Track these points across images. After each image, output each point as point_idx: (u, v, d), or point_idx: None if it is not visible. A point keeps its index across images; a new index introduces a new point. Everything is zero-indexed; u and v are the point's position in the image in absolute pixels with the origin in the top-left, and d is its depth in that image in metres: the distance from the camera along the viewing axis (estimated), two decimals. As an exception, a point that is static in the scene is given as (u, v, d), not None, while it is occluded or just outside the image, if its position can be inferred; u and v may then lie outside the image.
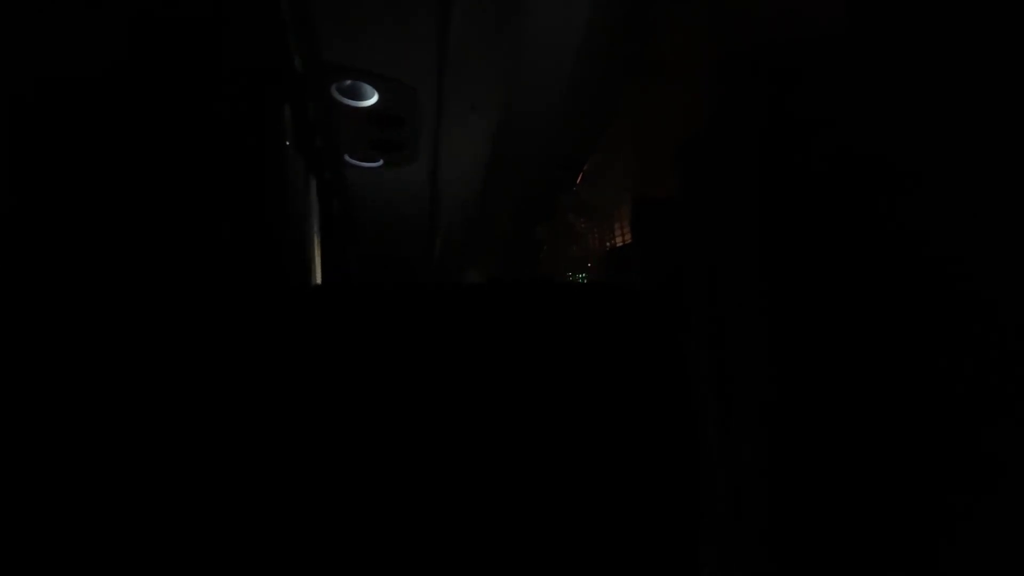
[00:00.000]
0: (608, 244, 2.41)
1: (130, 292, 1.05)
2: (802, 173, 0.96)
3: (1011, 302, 0.79)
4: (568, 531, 1.08)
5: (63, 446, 0.97)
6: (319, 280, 2.18)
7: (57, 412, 0.97)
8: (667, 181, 1.25)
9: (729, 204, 1.01)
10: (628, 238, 2.30)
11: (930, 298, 0.83)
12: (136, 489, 0.99)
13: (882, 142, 0.90)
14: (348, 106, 2.02)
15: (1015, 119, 0.81)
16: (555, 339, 1.16)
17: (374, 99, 1.99)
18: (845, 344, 0.86)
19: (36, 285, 1.00)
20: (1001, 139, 0.82)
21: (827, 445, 0.85)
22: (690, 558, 1.08)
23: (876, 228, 0.88)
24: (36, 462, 0.96)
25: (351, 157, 2.28)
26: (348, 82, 1.95)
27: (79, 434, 0.98)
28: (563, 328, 1.17)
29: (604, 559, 1.09)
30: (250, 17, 1.49)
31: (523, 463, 1.10)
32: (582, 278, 2.62)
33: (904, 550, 0.81)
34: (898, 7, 0.92)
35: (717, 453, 1.02)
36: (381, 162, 2.31)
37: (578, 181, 2.53)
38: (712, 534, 1.04)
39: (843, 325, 0.87)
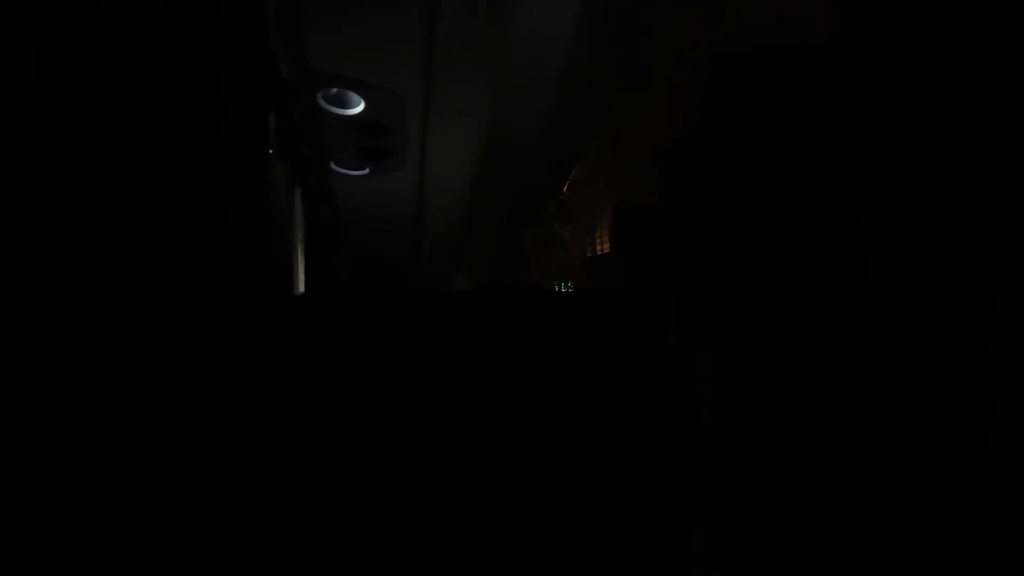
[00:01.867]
0: (592, 251, 2.41)
1: (104, 299, 1.04)
2: (785, 178, 0.96)
3: (997, 305, 0.79)
4: (561, 532, 1.08)
5: (50, 446, 0.97)
6: (302, 288, 2.17)
7: (44, 413, 0.96)
8: (651, 189, 1.26)
9: (710, 209, 1.01)
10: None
11: (911, 300, 0.83)
12: (115, 493, 0.99)
13: (869, 147, 0.90)
14: (334, 114, 2.01)
15: (1007, 121, 0.81)
16: (542, 345, 1.16)
17: (360, 107, 1.99)
18: (821, 347, 0.86)
19: (24, 288, 1.00)
20: (993, 141, 0.82)
21: (804, 446, 0.85)
22: (681, 557, 1.08)
23: (857, 234, 0.89)
24: (27, 461, 0.95)
25: (337, 165, 2.28)
26: (334, 90, 1.94)
27: (60, 436, 0.97)
28: (550, 334, 1.17)
29: (595, 559, 1.09)
30: (235, 24, 1.49)
31: (512, 467, 1.09)
32: (568, 285, 2.62)
33: (893, 545, 0.81)
34: (885, 12, 0.92)
35: (698, 451, 1.02)
36: (367, 170, 2.30)
37: (565, 188, 2.53)
38: (698, 531, 1.04)
39: (820, 329, 0.87)
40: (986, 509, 0.77)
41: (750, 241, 0.96)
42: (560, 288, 2.61)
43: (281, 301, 1.35)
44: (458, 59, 1.77)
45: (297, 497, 1.05)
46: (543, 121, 2.13)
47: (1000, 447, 0.76)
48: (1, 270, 0.99)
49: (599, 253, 2.31)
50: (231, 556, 1.01)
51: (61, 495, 0.96)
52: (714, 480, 1.03)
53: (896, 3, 0.92)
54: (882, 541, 0.82)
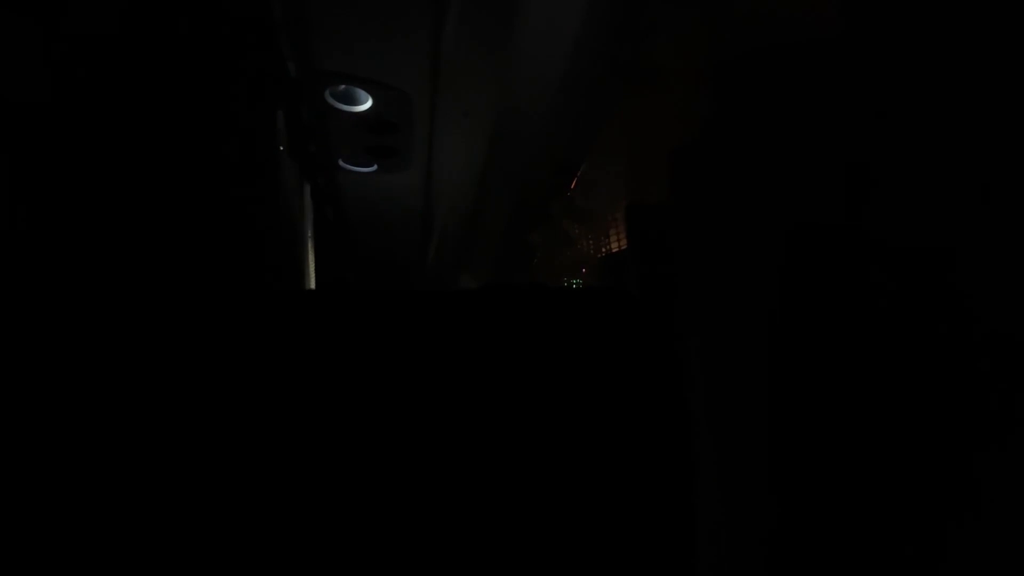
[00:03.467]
0: (602, 250, 2.41)
1: (118, 295, 1.04)
2: (798, 177, 0.96)
3: (1008, 307, 0.79)
4: (564, 534, 1.08)
5: (61, 439, 0.97)
6: (313, 285, 2.17)
7: (54, 406, 0.97)
8: (662, 187, 1.25)
9: (723, 209, 1.01)
10: (622, 244, 2.30)
11: (928, 303, 0.83)
12: (125, 487, 0.99)
13: (879, 145, 0.90)
14: (342, 111, 2.02)
15: (1015, 120, 0.81)
16: (549, 344, 1.16)
17: (368, 104, 1.99)
18: (840, 349, 0.86)
19: (29, 285, 1.00)
20: (1001, 140, 0.81)
21: (822, 449, 0.85)
22: (686, 560, 1.08)
23: (872, 232, 0.88)
24: (26, 461, 0.95)
25: (345, 162, 2.28)
26: (342, 87, 1.95)
27: (70, 430, 0.98)
28: (557, 333, 1.17)
29: (600, 562, 1.09)
30: (243, 22, 1.50)
31: (518, 468, 1.09)
32: (576, 284, 2.63)
33: (901, 554, 0.81)
34: (894, 9, 0.92)
35: (710, 456, 1.02)
36: (375, 167, 2.31)
37: (572, 187, 2.53)
38: (707, 537, 1.04)
39: (838, 330, 0.87)
40: (997, 514, 0.76)
41: (765, 241, 0.96)
42: (569, 286, 2.61)
43: (292, 298, 1.36)
44: (465, 58, 1.77)
45: (307, 493, 1.05)
46: (550, 119, 2.13)
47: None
48: (11, 266, 0.99)
49: (611, 252, 2.31)
50: (239, 553, 1.02)
51: (71, 488, 0.97)
52: (724, 481, 1.03)
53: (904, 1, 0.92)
54: (888, 548, 0.82)
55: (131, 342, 1.03)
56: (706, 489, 1.06)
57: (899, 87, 0.90)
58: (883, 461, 0.83)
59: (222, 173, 1.27)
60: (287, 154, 1.90)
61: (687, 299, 1.09)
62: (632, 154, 2.28)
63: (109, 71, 1.13)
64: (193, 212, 1.17)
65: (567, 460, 1.11)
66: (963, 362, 0.79)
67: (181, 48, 1.24)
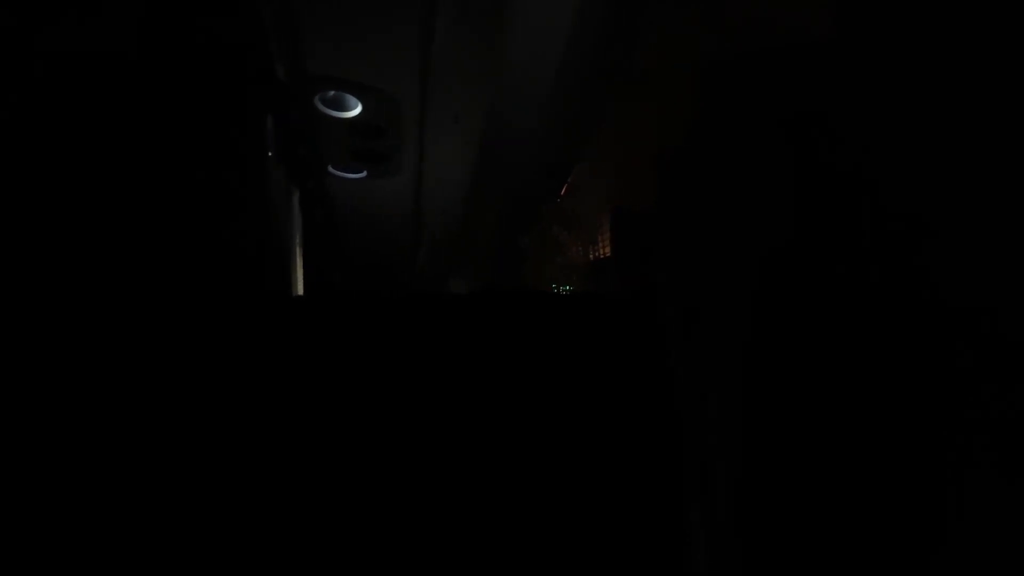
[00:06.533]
0: (592, 255, 2.42)
1: (104, 301, 1.04)
2: (784, 182, 0.96)
3: (1003, 310, 0.79)
4: (556, 536, 1.08)
5: (49, 447, 0.96)
6: (300, 291, 2.17)
7: (43, 414, 0.96)
8: (650, 192, 1.26)
9: (708, 214, 1.02)
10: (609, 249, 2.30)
11: (914, 306, 0.83)
12: (112, 495, 0.98)
13: (869, 150, 0.90)
14: (331, 117, 2.01)
15: (1009, 121, 0.81)
16: (538, 348, 1.16)
17: (357, 110, 1.99)
18: (821, 351, 0.86)
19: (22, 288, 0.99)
20: (996, 141, 0.81)
21: (804, 449, 0.85)
22: (675, 559, 1.08)
23: (859, 237, 0.89)
24: (26, 462, 0.95)
25: (334, 168, 2.28)
26: (331, 93, 1.95)
27: (58, 437, 0.97)
28: (546, 337, 1.17)
29: (591, 563, 1.09)
30: (232, 25, 1.49)
31: (508, 469, 1.09)
32: (566, 288, 2.63)
33: (886, 551, 0.81)
34: (887, 13, 0.92)
35: (698, 456, 1.02)
36: (365, 173, 2.30)
37: (562, 192, 2.53)
38: (696, 534, 1.04)
39: (820, 333, 0.87)
40: (991, 512, 0.77)
41: (749, 246, 0.97)
42: (558, 291, 2.62)
43: (279, 303, 1.35)
44: (455, 63, 1.77)
45: (294, 499, 1.04)
46: (540, 124, 2.14)
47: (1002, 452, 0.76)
48: (2, 272, 0.99)
49: (598, 257, 2.32)
50: (224, 560, 1.01)
51: (59, 496, 0.96)
52: (714, 485, 1.03)
53: (895, 3, 0.92)
54: (870, 545, 0.83)
55: (119, 347, 1.02)
56: (692, 484, 1.06)
57: (890, 90, 0.91)
58: (862, 461, 0.83)
59: (209, 177, 1.26)
60: (276, 159, 1.90)
61: (671, 303, 1.10)
62: (622, 159, 2.28)
63: (98, 75, 1.12)
64: (179, 216, 1.16)
65: (557, 462, 1.11)
66: (945, 364, 0.80)
67: (169, 53, 1.24)
